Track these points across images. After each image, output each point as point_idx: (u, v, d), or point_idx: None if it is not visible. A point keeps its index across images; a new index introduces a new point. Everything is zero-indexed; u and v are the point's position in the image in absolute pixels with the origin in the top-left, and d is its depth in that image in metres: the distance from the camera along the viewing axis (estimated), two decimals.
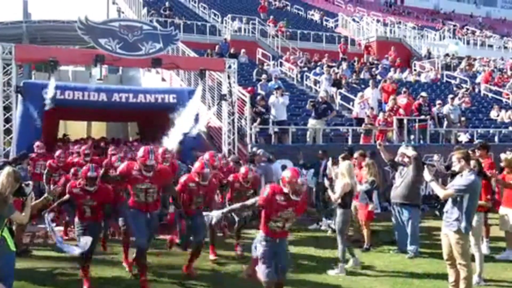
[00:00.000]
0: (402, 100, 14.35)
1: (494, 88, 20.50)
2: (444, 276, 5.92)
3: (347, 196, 6.95)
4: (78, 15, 10.32)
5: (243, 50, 20.11)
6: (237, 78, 12.60)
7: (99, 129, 23.81)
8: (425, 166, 6.77)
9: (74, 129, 22.57)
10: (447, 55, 26.10)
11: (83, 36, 10.16)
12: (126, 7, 25.75)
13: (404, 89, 15.28)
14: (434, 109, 14.75)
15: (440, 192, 5.48)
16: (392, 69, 21.61)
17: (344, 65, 20.06)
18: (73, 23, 10.62)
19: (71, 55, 11.87)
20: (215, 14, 25.80)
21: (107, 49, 10.12)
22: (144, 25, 10.83)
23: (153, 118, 14.52)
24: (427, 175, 5.71)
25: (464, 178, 5.33)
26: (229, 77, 12.02)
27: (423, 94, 15.06)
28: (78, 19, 10.11)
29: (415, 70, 22.91)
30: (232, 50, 19.57)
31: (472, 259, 5.78)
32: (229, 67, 11.97)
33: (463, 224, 5.27)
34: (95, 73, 23.86)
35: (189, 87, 14.22)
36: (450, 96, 16.21)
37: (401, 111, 14.00)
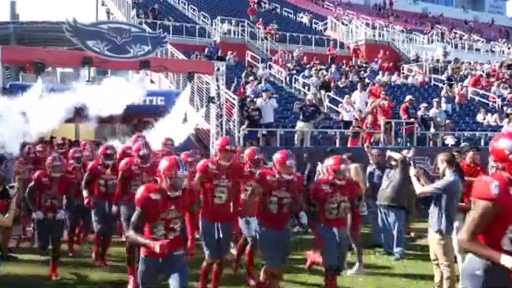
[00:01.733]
0: (383, 102, 14.45)
1: (481, 91, 20.72)
2: (429, 277, 6.01)
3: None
4: (66, 17, 10.29)
5: (229, 52, 20.17)
6: (225, 80, 12.62)
7: (87, 131, 23.64)
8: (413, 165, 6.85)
9: (62, 131, 22.38)
10: (437, 60, 26.30)
11: (71, 38, 10.12)
12: (116, 8, 25.66)
13: (383, 92, 15.38)
14: (419, 112, 14.88)
15: (418, 188, 5.67)
16: (380, 72, 21.76)
17: (333, 68, 20.19)
18: (61, 24, 10.56)
19: (58, 56, 11.79)
20: (204, 16, 25.81)
21: (95, 51, 10.08)
22: (133, 28, 10.82)
23: (142, 120, 14.50)
24: (412, 170, 5.87)
25: (444, 179, 5.48)
26: (217, 80, 12.04)
27: (408, 97, 15.20)
28: (66, 21, 10.07)
29: (403, 73, 23.10)
30: (221, 53, 19.58)
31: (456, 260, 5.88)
32: (218, 69, 12.00)
33: (443, 225, 5.40)
34: (83, 75, 23.67)
35: (178, 89, 14.22)
36: (435, 99, 16.35)
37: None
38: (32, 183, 6.61)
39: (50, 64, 11.43)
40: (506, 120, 16.59)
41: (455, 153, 6.63)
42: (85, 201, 6.99)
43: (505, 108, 19.01)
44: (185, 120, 11.56)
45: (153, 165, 5.76)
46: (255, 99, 13.19)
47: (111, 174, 6.89)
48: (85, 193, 7.01)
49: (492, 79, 23.16)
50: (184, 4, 27.81)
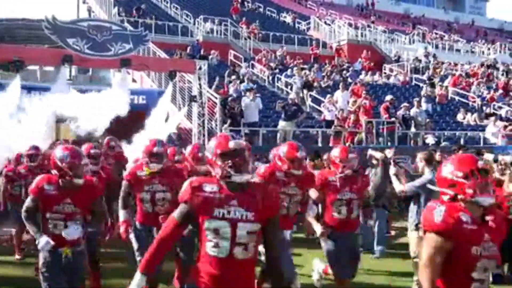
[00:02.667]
0: (364, 102, 14.54)
1: (461, 91, 20.99)
2: (409, 275, 6.05)
3: None
4: (45, 14, 10.16)
5: (213, 51, 20.11)
6: (207, 79, 12.59)
7: (67, 130, 23.36)
8: (393, 163, 6.90)
9: None
10: (419, 60, 26.53)
11: (50, 36, 10.01)
12: (97, 7, 25.42)
13: (364, 92, 15.48)
14: (400, 112, 15.01)
15: (398, 186, 5.75)
16: (363, 72, 21.92)
17: (316, 67, 20.27)
18: (41, 22, 10.43)
19: (38, 55, 11.64)
20: (187, 15, 25.68)
21: (75, 49, 9.98)
22: (113, 25, 10.74)
23: (123, 119, 14.37)
24: (391, 169, 5.94)
25: (422, 177, 5.56)
26: (199, 79, 12.00)
27: (389, 96, 15.32)
28: (45, 18, 9.95)
29: (385, 73, 23.28)
30: (204, 52, 19.52)
31: None
32: (200, 68, 11.96)
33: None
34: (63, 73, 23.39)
35: (160, 88, 14.14)
36: (416, 99, 16.52)
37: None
38: (30, 198, 3.97)
39: (29, 62, 11.24)
40: (492, 119, 16.83)
41: (433, 152, 6.71)
42: (121, 229, 4.95)
43: (484, 108, 19.31)
44: (167, 119, 11.51)
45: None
46: (239, 98, 13.19)
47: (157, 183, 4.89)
48: (122, 215, 4.97)
49: (472, 79, 23.49)
50: (167, 2, 27.65)
